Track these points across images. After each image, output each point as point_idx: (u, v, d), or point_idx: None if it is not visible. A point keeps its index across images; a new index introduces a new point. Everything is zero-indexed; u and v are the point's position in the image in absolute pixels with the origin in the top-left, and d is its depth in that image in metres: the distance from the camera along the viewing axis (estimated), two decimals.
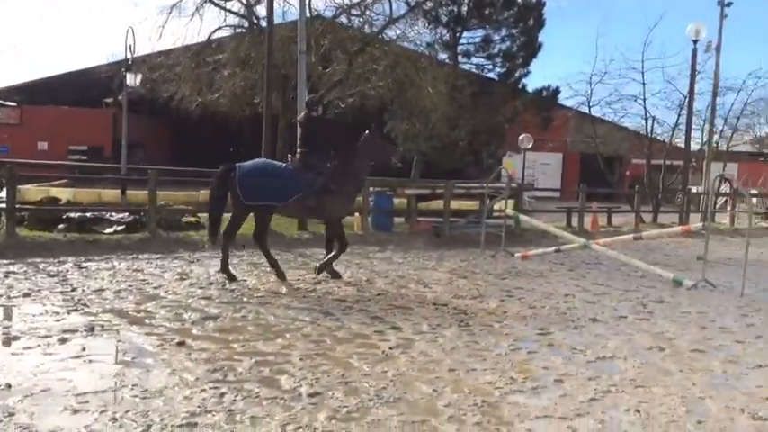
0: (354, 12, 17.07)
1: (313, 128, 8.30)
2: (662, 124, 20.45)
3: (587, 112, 20.86)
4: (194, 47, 17.57)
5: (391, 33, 17.44)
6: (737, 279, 8.82)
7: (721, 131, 21.53)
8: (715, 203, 21.06)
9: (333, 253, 8.28)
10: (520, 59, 20.76)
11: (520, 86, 21.07)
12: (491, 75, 21.50)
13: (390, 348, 5.24)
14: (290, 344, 5.26)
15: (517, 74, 20.99)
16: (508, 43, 21.02)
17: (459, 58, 21.13)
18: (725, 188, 21.74)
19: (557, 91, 21.71)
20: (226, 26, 17.26)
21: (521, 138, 23.90)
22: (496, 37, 21.10)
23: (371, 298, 7.25)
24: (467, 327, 6.09)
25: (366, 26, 17.23)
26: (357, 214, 13.19)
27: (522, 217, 12.78)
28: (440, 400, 4.14)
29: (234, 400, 3.97)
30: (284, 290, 7.49)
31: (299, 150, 8.20)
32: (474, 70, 21.77)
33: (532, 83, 26.05)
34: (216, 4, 16.70)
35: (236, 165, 7.84)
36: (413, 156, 20.38)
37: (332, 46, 16.99)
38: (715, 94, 18.92)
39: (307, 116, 8.46)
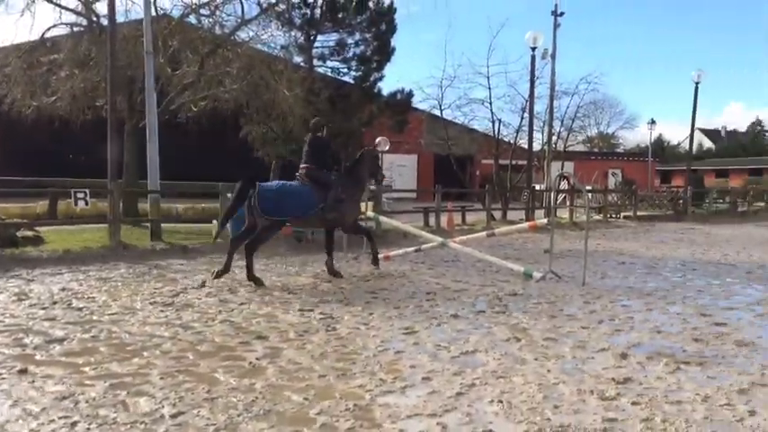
0: (204, 12, 16.50)
1: (318, 146, 9.34)
2: (507, 126, 21.81)
3: (439, 114, 21.72)
4: (26, 46, 16.10)
5: (244, 35, 17.06)
6: (579, 269, 9.56)
7: (559, 132, 23.35)
8: (556, 199, 22.73)
9: (372, 246, 9.73)
10: (374, 63, 21.12)
11: (375, 90, 21.43)
12: (347, 78, 21.71)
13: (257, 359, 5.10)
14: (149, 363, 4.95)
15: (372, 78, 21.34)
16: (362, 47, 21.32)
17: (315, 61, 21.13)
18: (564, 185, 23.53)
19: (410, 94, 22.37)
20: (61, 24, 15.97)
21: (378, 140, 24.36)
22: (350, 41, 21.34)
23: (235, 308, 7.02)
24: (334, 331, 6.07)
25: (217, 27, 16.71)
26: (214, 221, 12.74)
27: (383, 218, 13.01)
28: (311, 408, 4.08)
29: (88, 429, 3.66)
30: (139, 305, 7.05)
31: (303, 166, 9.23)
32: (330, 74, 21.88)
33: (387, 86, 26.72)
34: (49, 1, 15.40)
35: (258, 183, 8.70)
36: (271, 160, 20.10)
37: (181, 47, 16.29)
38: (552, 98, 20.49)
39: (314, 136, 9.40)
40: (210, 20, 16.62)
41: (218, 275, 8.46)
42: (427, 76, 36.33)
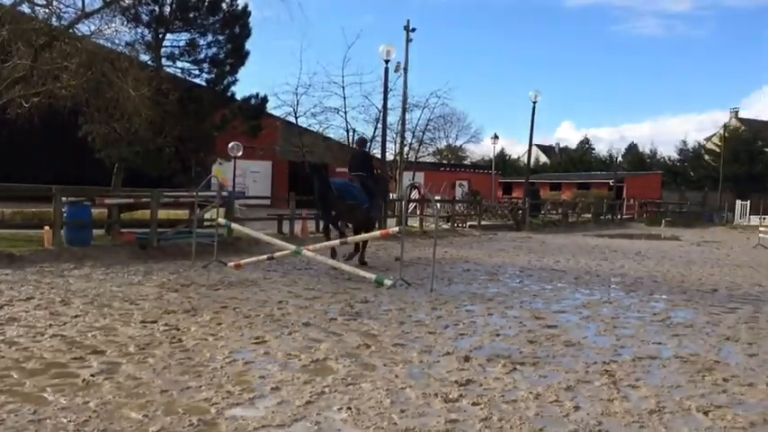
0: (39, 1, 15.17)
1: (364, 160, 12.24)
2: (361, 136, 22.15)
3: (294, 122, 21.61)
4: None
5: (85, 29, 15.89)
6: (428, 276, 9.91)
7: (410, 144, 24.12)
8: (408, 209, 23.45)
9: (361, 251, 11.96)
10: (228, 66, 20.57)
11: (228, 94, 20.88)
12: (198, 80, 20.96)
13: (92, 376, 4.75)
14: None
15: (225, 81, 20.75)
16: (215, 49, 20.68)
17: (164, 61, 20.18)
18: (415, 195, 24.35)
19: (265, 100, 22.04)
20: None
21: (230, 145, 23.77)
22: (203, 42, 20.61)
23: (67, 321, 6.49)
24: (179, 343, 5.81)
25: (54, 18, 15.44)
26: (47, 227, 11.76)
27: (234, 225, 12.70)
28: (151, 425, 3.87)
29: None
30: None
31: (353, 174, 11.95)
32: (180, 75, 21.00)
33: (241, 91, 26.08)
34: None
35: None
36: (114, 162, 18.91)
37: (12, 37, 14.85)
38: (404, 110, 21.18)
39: (361, 150, 12.68)
40: (46, 10, 15.32)
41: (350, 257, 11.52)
42: (282, 82, 36.16)
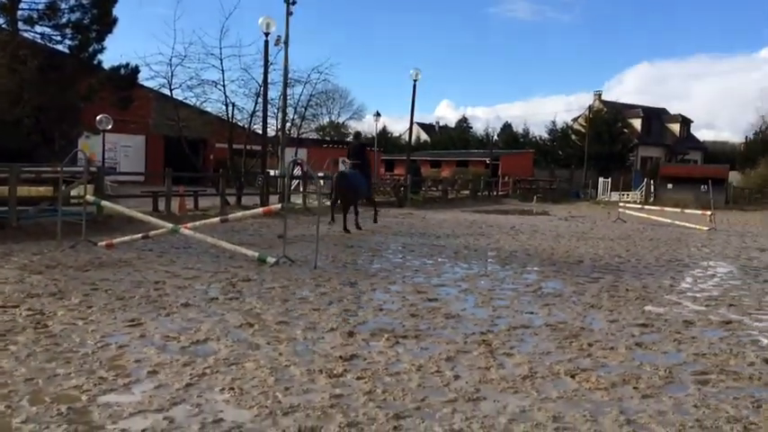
0: None
1: (360, 150, 16.20)
2: (241, 110, 21.55)
3: (169, 94, 20.61)
4: None
5: None
6: (312, 253, 9.87)
7: (293, 119, 23.76)
8: (290, 185, 23.18)
9: (375, 212, 16.93)
10: (93, 33, 19.14)
11: (95, 62, 19.49)
12: (61, 47, 19.41)
13: None
14: None
15: (91, 49, 19.31)
16: (78, 14, 19.16)
17: (21, 24, 18.51)
18: (297, 171, 24.09)
19: (136, 70, 20.78)
20: None
21: (99, 118, 22.33)
22: (64, 5, 19.00)
23: None
24: (45, 328, 5.43)
25: None
26: None
27: (105, 203, 11.99)
28: (16, 416, 3.59)
29: None
30: None
31: (351, 162, 15.83)
32: (39, 40, 19.35)
33: (109, 60, 24.47)
34: None
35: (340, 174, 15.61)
36: None
37: None
38: (286, 85, 20.75)
39: (359, 142, 17.00)
40: None
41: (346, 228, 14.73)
42: (155, 52, 34.01)
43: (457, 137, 67.84)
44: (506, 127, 72.26)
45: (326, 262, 10.03)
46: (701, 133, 69.83)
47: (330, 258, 10.50)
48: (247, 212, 11.13)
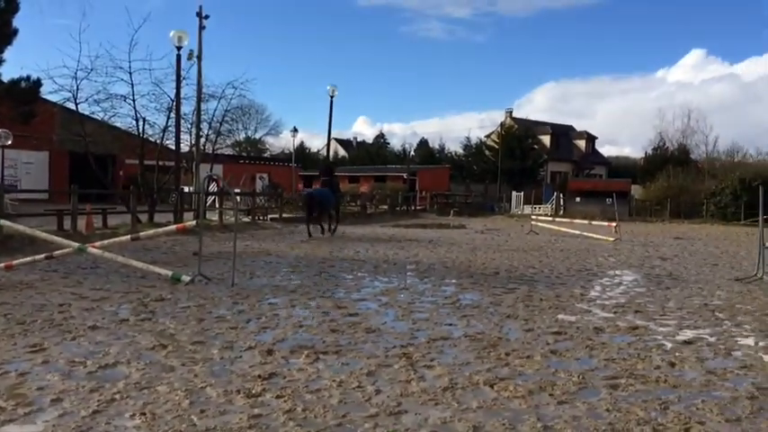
0: None
1: (328, 172, 19.73)
2: (153, 126, 20.80)
3: (75, 108, 19.68)
4: None
5: None
6: (229, 270, 9.63)
7: (207, 135, 23.17)
8: (206, 202, 22.63)
9: (331, 226, 19.25)
10: None
11: None
12: None
13: None
14: None
15: None
16: None
17: None
18: (213, 187, 23.58)
19: (38, 83, 19.67)
20: None
21: None
22: None
23: None
24: None
25: None
26: None
27: (4, 222, 11.26)
28: None
29: None
30: None
31: (323, 180, 19.48)
32: None
33: (8, 72, 23.10)
34: None
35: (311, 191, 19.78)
36: None
37: None
38: (200, 100, 20.26)
39: (327, 166, 21.18)
40: None
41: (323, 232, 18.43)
42: (59, 65, 32.54)
43: (374, 152, 68.39)
44: (423, 143, 73.59)
45: (244, 279, 9.81)
46: (605, 149, 73.40)
47: (248, 275, 10.27)
48: (160, 230, 10.72)
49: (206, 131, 22.83)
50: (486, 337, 6.39)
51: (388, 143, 76.36)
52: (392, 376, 4.94)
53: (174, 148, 20.90)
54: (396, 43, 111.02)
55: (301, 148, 69.54)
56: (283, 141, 66.00)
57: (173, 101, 19.27)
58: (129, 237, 10.12)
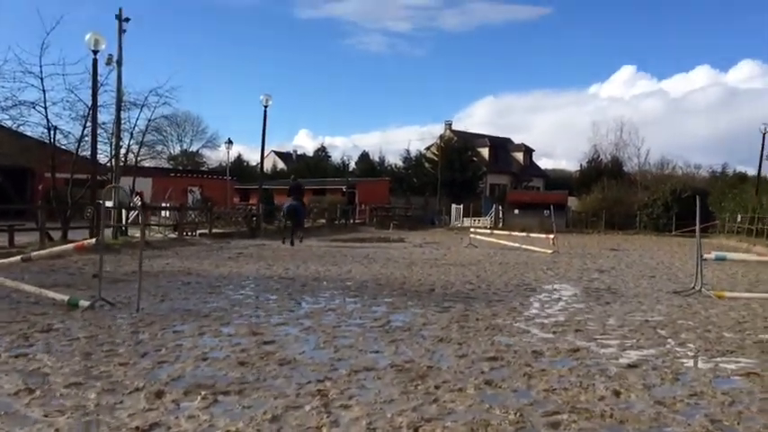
0: None
1: (297, 188, 23.42)
2: (67, 135, 19.37)
3: None
4: None
5: None
6: (136, 294, 8.66)
7: (129, 146, 21.82)
8: (127, 217, 21.30)
9: (300, 234, 22.66)
10: None
11: None
12: None
13: None
14: None
15: None
16: None
17: None
18: (137, 202, 22.26)
19: None
20: None
21: None
22: None
23: None
24: None
25: None
26: None
27: None
28: None
29: None
30: None
31: (294, 197, 22.73)
32: None
33: None
34: None
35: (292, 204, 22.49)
36: None
37: None
38: (119, 108, 18.99)
39: (296, 183, 24.28)
40: None
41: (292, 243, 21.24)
42: None
43: (314, 165, 67.41)
44: (364, 156, 72.96)
45: (154, 302, 8.87)
46: (542, 162, 74.61)
47: (159, 298, 9.33)
48: (55, 249, 9.65)
49: (127, 142, 21.46)
50: (415, 366, 5.72)
51: (330, 156, 75.45)
52: (300, 421, 4.20)
53: (90, 157, 19.46)
54: (337, 56, 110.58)
55: (239, 161, 67.96)
56: (221, 154, 64.35)
57: (89, 108, 17.95)
58: (19, 257, 9.02)
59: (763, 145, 33.46)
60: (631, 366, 5.86)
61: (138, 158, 22.93)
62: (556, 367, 5.77)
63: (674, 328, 7.85)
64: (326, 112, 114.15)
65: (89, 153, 18.32)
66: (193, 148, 70.93)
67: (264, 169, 68.59)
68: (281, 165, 73.14)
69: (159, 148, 29.61)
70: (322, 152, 77.10)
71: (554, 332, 7.44)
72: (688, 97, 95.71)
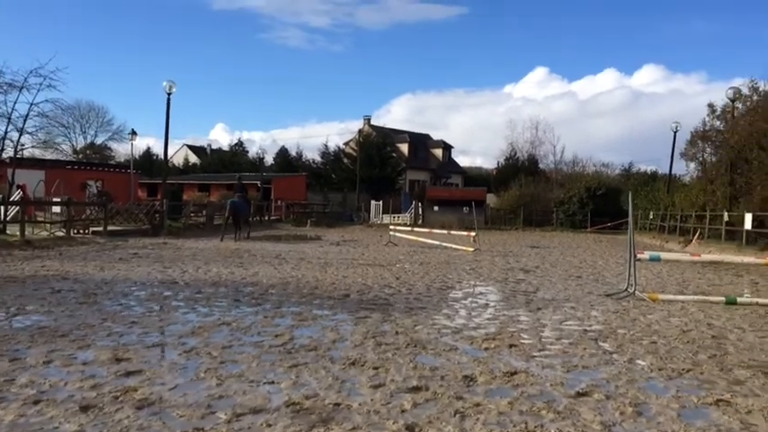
0: None
1: (242, 187, 24.57)
2: None
3: None
4: None
5: None
6: None
7: (6, 132, 19.29)
8: (6, 213, 18.92)
9: (244, 232, 23.24)
10: None
11: None
12: None
13: None
14: None
15: None
16: None
17: None
18: (18, 196, 19.87)
19: None
20: None
21: None
22: None
23: None
24: None
25: None
26: None
27: None
28: None
29: None
30: None
31: (238, 195, 23.51)
32: None
33: None
34: None
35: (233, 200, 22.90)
36: None
37: None
38: None
39: (241, 182, 25.21)
40: None
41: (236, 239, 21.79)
42: None
43: (228, 160, 64.68)
44: (282, 151, 70.71)
45: (5, 318, 7.22)
46: (460, 159, 74.80)
47: (14, 310, 7.67)
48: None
49: (4, 128, 19.00)
50: (319, 404, 4.47)
51: (247, 151, 72.60)
52: None
53: None
54: (253, 50, 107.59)
55: (149, 155, 64.32)
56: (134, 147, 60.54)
57: None
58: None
59: (674, 143, 34.21)
60: (581, 395, 4.84)
61: (22, 147, 20.46)
62: (493, 399, 4.67)
63: (616, 339, 6.96)
64: (244, 107, 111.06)
65: None
66: (98, 141, 66.62)
67: (176, 163, 65.77)
68: (193, 158, 69.98)
69: (59, 139, 26.88)
70: (239, 147, 74.24)
71: (486, 348, 6.38)
72: (596, 99, 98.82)
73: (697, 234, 26.11)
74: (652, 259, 10.18)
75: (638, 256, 9.97)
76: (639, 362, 5.96)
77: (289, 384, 4.95)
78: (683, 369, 5.71)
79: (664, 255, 11.07)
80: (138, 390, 4.68)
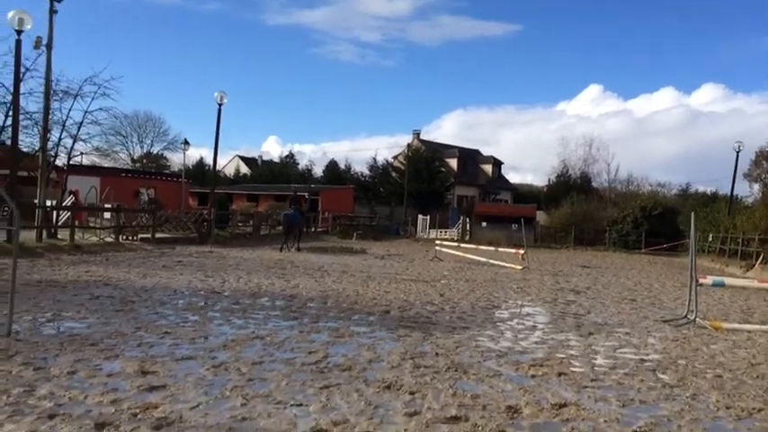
0: None
1: (295, 198, 26.78)
2: None
3: None
4: None
5: None
6: (28, 309, 6.87)
7: (60, 138, 19.69)
8: (58, 217, 19.28)
9: (295, 244, 23.51)
10: None
11: None
12: None
13: None
14: None
15: None
16: None
17: None
18: (71, 201, 20.27)
19: None
20: None
21: None
22: None
23: None
24: None
25: None
26: None
27: None
28: None
29: None
30: None
31: (293, 207, 25.10)
32: None
33: None
34: None
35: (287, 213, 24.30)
36: None
37: None
38: (49, 96, 17.03)
39: (295, 194, 27.52)
40: None
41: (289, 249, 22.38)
42: None
43: (278, 171, 65.31)
44: (332, 164, 71.04)
45: (37, 323, 7.12)
46: (510, 176, 73.64)
47: (50, 315, 7.58)
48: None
49: (59, 134, 19.36)
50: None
51: (298, 163, 73.18)
52: None
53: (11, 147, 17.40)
54: (307, 64, 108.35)
55: (201, 164, 65.51)
56: (186, 157, 61.87)
57: (11, 95, 15.96)
58: None
59: (736, 163, 32.77)
60: None
61: (78, 154, 20.86)
62: None
63: (677, 371, 6.39)
64: (296, 120, 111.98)
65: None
66: (155, 150, 68.29)
67: (227, 173, 66.79)
68: (245, 169, 70.92)
69: (117, 147, 27.40)
70: (289, 158, 74.98)
71: (532, 375, 5.92)
72: (653, 117, 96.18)
73: (761, 258, 24.79)
74: (715, 284, 9.50)
75: (701, 280, 9.29)
76: (703, 398, 5.41)
77: (318, 408, 4.62)
78: (754, 408, 5.14)
79: (728, 280, 10.32)
80: (159, 407, 4.42)
